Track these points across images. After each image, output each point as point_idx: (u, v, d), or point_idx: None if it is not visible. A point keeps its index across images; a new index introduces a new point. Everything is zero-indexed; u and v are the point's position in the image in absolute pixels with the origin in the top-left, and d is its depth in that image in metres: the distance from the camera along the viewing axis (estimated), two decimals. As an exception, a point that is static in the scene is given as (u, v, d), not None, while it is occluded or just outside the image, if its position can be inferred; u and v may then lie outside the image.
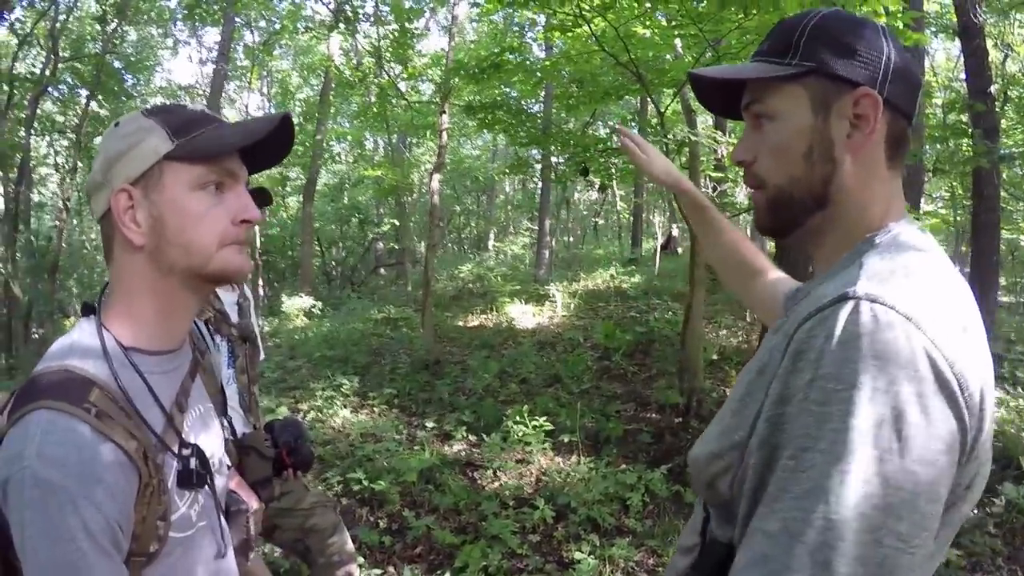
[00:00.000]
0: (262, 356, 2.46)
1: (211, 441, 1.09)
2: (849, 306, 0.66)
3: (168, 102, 1.01)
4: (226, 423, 1.25)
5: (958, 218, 10.88)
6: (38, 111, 12.30)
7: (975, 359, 0.68)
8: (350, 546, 2.36)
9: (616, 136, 1.55)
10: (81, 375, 0.87)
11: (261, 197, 2.26)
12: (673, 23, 4.40)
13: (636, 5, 4.34)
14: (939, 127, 5.75)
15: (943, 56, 15.37)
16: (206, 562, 1.02)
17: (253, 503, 1.94)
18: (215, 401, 1.16)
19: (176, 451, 0.96)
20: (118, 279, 0.96)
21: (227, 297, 2.27)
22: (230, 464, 1.31)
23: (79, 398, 0.85)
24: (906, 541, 0.61)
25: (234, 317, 2.28)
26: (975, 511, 3.44)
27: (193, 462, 0.97)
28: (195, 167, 0.92)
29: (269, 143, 0.96)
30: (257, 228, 13.64)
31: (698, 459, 0.84)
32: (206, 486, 1.01)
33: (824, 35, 0.79)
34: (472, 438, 4.86)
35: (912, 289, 0.68)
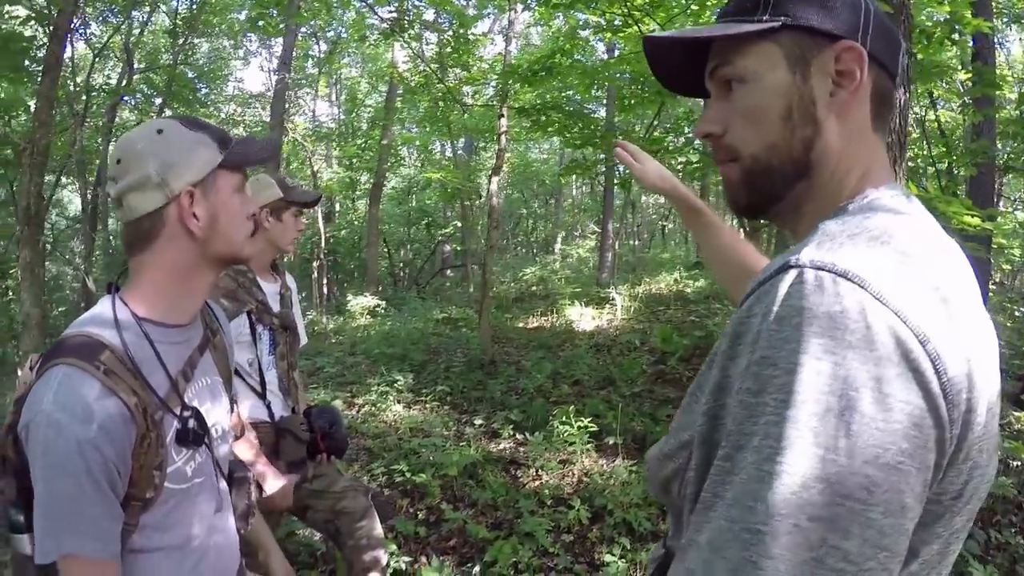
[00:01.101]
0: (303, 343, 2.57)
1: (215, 410, 1.19)
2: (791, 276, 0.56)
3: (193, 116, 1.21)
4: (235, 397, 1.36)
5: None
6: (116, 119, 13.02)
7: (960, 337, 0.56)
8: (379, 531, 2.43)
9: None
10: (96, 340, 1.01)
11: (315, 198, 2.41)
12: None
13: (684, 1, 4.30)
14: (1011, 122, 5.39)
15: (1019, 48, 14.41)
16: (202, 515, 1.13)
17: (283, 480, 2.05)
18: (224, 376, 1.26)
19: (177, 412, 1.07)
20: (152, 263, 1.09)
21: (269, 288, 2.39)
22: (237, 435, 1.43)
23: (91, 357, 0.98)
24: (855, 563, 0.50)
25: (275, 307, 2.39)
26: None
27: (191, 423, 1.08)
28: (236, 174, 1.13)
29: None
30: (322, 229, 14.18)
31: (651, 461, 0.76)
32: (204, 446, 1.12)
33: None
34: (519, 437, 4.90)
35: (873, 254, 0.57)
